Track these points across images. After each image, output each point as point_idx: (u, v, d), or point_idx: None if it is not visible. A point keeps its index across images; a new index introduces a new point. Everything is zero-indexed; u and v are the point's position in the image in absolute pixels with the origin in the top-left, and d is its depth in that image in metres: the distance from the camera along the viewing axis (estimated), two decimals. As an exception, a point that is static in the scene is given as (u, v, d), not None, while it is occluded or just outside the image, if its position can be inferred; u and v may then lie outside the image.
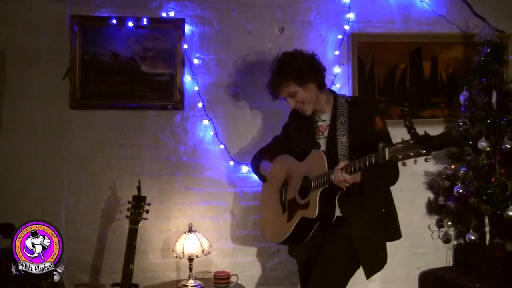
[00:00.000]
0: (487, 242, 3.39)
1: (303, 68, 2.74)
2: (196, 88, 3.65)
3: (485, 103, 3.41)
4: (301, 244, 2.78)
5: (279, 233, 2.86)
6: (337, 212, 2.62)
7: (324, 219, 2.60)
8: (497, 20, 3.69)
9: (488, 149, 3.35)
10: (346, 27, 3.71)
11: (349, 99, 2.81)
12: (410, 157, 2.14)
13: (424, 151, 2.11)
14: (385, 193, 2.79)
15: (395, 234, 2.81)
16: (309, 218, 2.62)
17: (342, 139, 2.69)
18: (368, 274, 2.63)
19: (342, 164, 2.45)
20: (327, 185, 2.55)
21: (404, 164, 2.29)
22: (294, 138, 2.97)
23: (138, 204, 3.27)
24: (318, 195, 2.57)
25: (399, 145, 2.18)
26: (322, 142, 2.79)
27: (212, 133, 3.67)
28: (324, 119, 2.83)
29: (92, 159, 3.61)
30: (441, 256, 3.74)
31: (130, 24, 3.57)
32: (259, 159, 3.08)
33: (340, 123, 2.72)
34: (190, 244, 3.37)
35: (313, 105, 2.80)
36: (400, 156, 2.17)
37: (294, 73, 2.73)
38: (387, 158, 2.22)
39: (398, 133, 2.53)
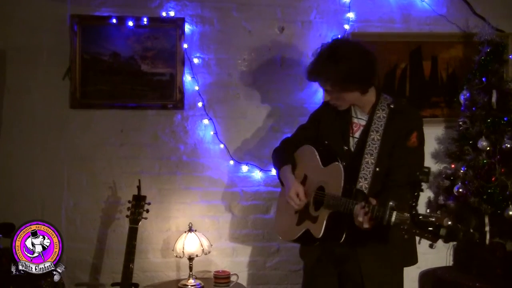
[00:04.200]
0: (487, 241, 3.39)
1: (351, 74, 2.40)
2: (196, 88, 3.65)
3: (485, 103, 3.42)
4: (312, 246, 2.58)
5: (286, 232, 2.71)
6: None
7: (329, 241, 2.43)
8: (497, 20, 3.69)
9: (488, 148, 3.36)
10: (346, 26, 3.71)
11: (392, 105, 2.50)
12: (413, 234, 2.02)
13: (430, 236, 2.01)
14: None
15: (412, 259, 2.63)
16: (313, 234, 2.44)
17: (368, 159, 2.43)
18: None
19: (360, 209, 2.18)
20: (335, 211, 2.35)
21: None
22: (325, 128, 2.68)
23: (138, 204, 3.27)
24: (326, 217, 2.37)
25: (408, 217, 2.02)
26: (352, 142, 2.55)
27: (212, 133, 3.67)
28: (360, 117, 2.57)
29: (92, 159, 3.61)
30: (441, 256, 3.73)
31: (130, 23, 3.57)
32: (280, 157, 2.79)
33: (371, 140, 2.46)
34: (190, 244, 3.37)
35: (350, 104, 2.55)
36: (405, 228, 2.03)
37: (339, 76, 2.40)
38: (391, 222, 2.06)
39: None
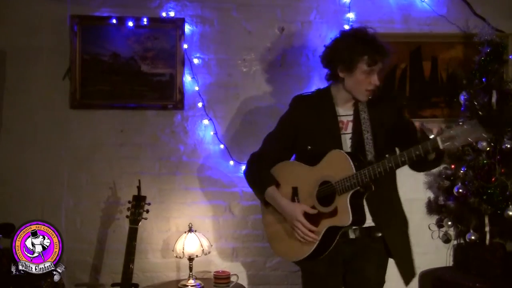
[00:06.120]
0: (487, 242, 3.39)
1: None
2: (196, 88, 3.65)
3: (485, 103, 3.42)
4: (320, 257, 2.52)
5: (301, 249, 2.53)
6: (369, 221, 2.48)
7: (355, 225, 2.45)
8: (497, 20, 3.69)
9: (488, 149, 3.35)
10: (346, 27, 3.70)
11: (370, 97, 2.58)
12: (468, 142, 2.11)
13: (484, 134, 2.10)
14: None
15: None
16: (339, 226, 2.42)
17: (367, 135, 2.51)
18: (408, 281, 2.58)
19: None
20: (358, 187, 2.38)
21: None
22: (307, 132, 2.61)
23: (138, 204, 3.27)
24: (348, 199, 2.39)
25: (452, 132, 2.13)
26: (345, 139, 2.56)
27: (212, 133, 3.67)
28: (345, 114, 2.60)
29: (92, 159, 3.62)
30: (441, 256, 3.73)
31: (130, 24, 3.57)
32: (261, 179, 2.69)
33: (363, 119, 2.55)
34: (190, 244, 3.37)
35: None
36: (456, 144, 2.12)
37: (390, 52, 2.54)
38: (441, 147, 2.15)
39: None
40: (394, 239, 2.54)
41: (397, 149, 2.58)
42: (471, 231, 3.40)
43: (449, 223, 3.55)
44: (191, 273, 3.39)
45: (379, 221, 2.51)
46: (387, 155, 2.38)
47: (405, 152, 2.27)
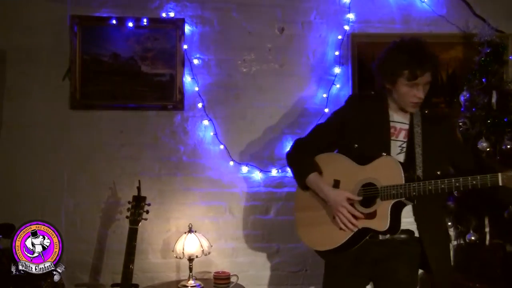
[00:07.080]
0: (487, 242, 3.39)
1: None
2: (196, 88, 3.65)
3: (485, 103, 3.41)
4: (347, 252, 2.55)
5: (328, 240, 2.57)
6: (414, 228, 2.51)
7: (388, 233, 2.45)
8: (497, 20, 3.69)
9: (488, 149, 3.35)
10: (346, 27, 3.71)
11: (426, 111, 2.61)
12: None
13: None
14: None
15: None
16: (373, 229, 2.46)
17: (418, 150, 2.49)
18: None
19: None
20: (403, 198, 2.41)
21: None
22: (357, 131, 2.59)
23: (138, 204, 3.27)
24: (390, 207, 2.42)
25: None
26: (395, 145, 2.54)
27: (212, 133, 3.67)
28: (400, 121, 2.59)
29: (92, 159, 3.62)
30: (441, 256, 3.73)
31: (130, 24, 3.58)
32: (305, 163, 2.68)
33: (416, 133, 2.53)
34: (190, 245, 3.37)
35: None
36: None
37: (436, 64, 2.56)
38: (500, 183, 2.25)
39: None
40: (435, 253, 2.54)
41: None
42: (471, 232, 3.41)
43: (449, 223, 3.55)
44: (191, 274, 3.39)
45: (422, 229, 2.50)
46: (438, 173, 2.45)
47: (461, 179, 2.31)
